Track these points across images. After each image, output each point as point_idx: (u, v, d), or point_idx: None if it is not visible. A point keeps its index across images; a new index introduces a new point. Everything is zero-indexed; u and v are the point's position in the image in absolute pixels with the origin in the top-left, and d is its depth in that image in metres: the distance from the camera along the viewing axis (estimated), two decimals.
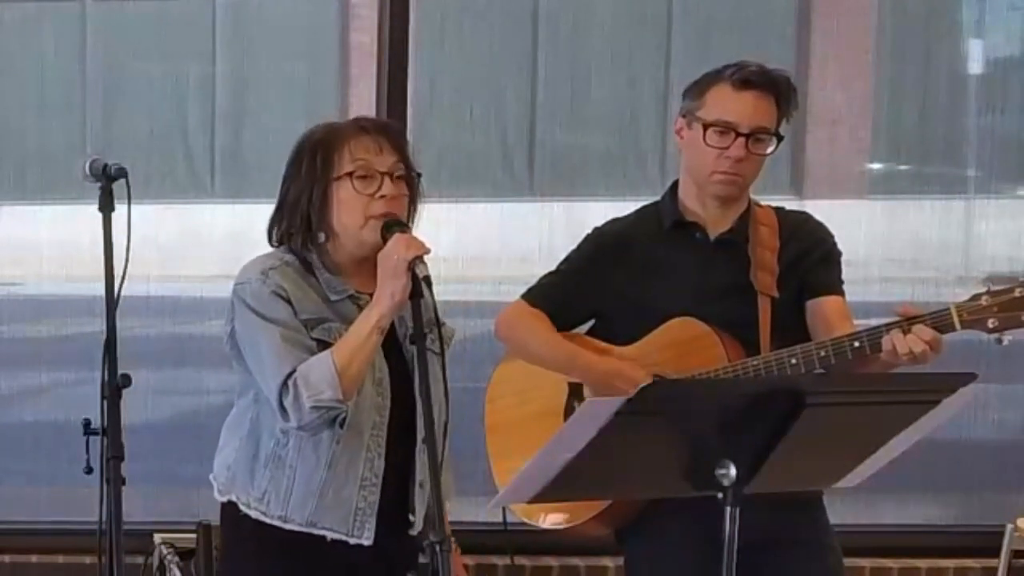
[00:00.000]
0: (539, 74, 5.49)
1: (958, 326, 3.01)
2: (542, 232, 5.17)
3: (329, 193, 3.01)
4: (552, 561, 4.74)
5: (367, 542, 3.04)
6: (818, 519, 3.39)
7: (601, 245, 3.44)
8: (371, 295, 3.00)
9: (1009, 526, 4.49)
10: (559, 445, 2.40)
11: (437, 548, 2.73)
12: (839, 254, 3.39)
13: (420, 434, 2.99)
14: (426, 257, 2.92)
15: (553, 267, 3.54)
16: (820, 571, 3.37)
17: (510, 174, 5.61)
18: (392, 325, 3.00)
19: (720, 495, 2.42)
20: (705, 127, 3.24)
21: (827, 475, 2.66)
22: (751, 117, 3.23)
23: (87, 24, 5.60)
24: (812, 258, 3.34)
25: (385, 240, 2.94)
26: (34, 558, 4.77)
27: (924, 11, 5.56)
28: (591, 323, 3.50)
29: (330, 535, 3.04)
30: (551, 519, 3.47)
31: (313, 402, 2.90)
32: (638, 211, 3.47)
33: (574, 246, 3.52)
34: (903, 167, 5.56)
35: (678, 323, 3.28)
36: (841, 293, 3.35)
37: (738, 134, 3.22)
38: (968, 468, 5.10)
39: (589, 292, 3.42)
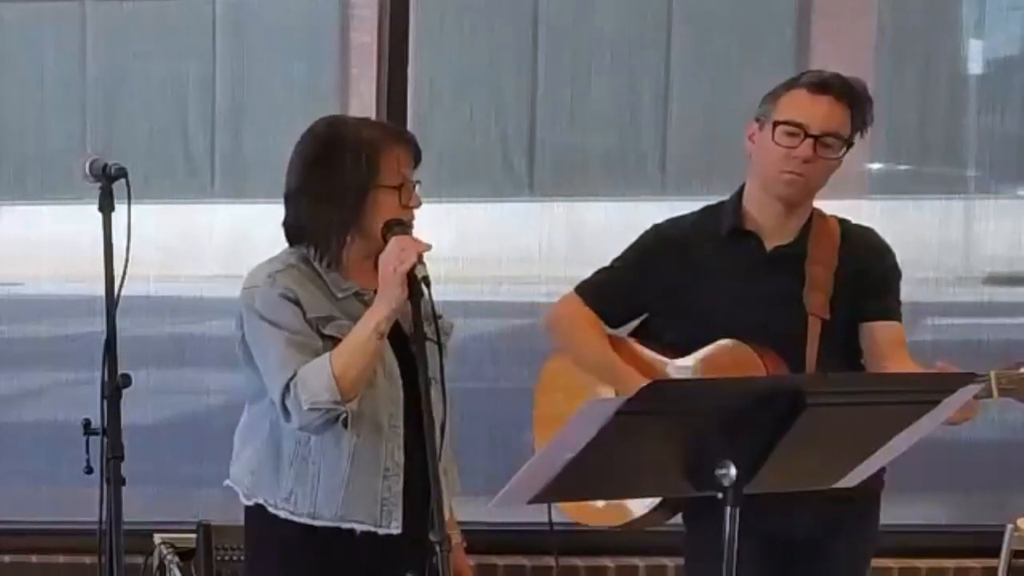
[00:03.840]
0: (539, 74, 5.49)
1: (995, 393, 3.01)
2: (542, 232, 5.17)
3: (369, 197, 3.03)
4: (552, 561, 4.74)
5: (396, 531, 3.06)
6: (871, 516, 3.42)
7: (657, 242, 3.46)
8: (376, 291, 3.02)
9: (1009, 526, 4.49)
10: (560, 445, 2.40)
11: (437, 548, 2.74)
12: (899, 275, 3.37)
13: (440, 420, 3.00)
14: (426, 257, 2.93)
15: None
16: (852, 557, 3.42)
17: (510, 174, 5.61)
18: (397, 320, 3.01)
19: (720, 495, 2.42)
20: (775, 125, 3.25)
21: (827, 475, 2.65)
22: (823, 120, 3.22)
23: (87, 24, 5.60)
24: (870, 279, 3.33)
25: (385, 239, 2.97)
26: (34, 558, 4.77)
27: (924, 11, 5.56)
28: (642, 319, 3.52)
29: (359, 527, 3.07)
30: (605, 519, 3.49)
31: (309, 404, 2.94)
32: (701, 210, 3.47)
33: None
34: (903, 167, 5.55)
35: (727, 345, 3.27)
36: (897, 318, 3.33)
37: (807, 135, 3.22)
38: (968, 468, 5.10)
39: (640, 288, 3.44)
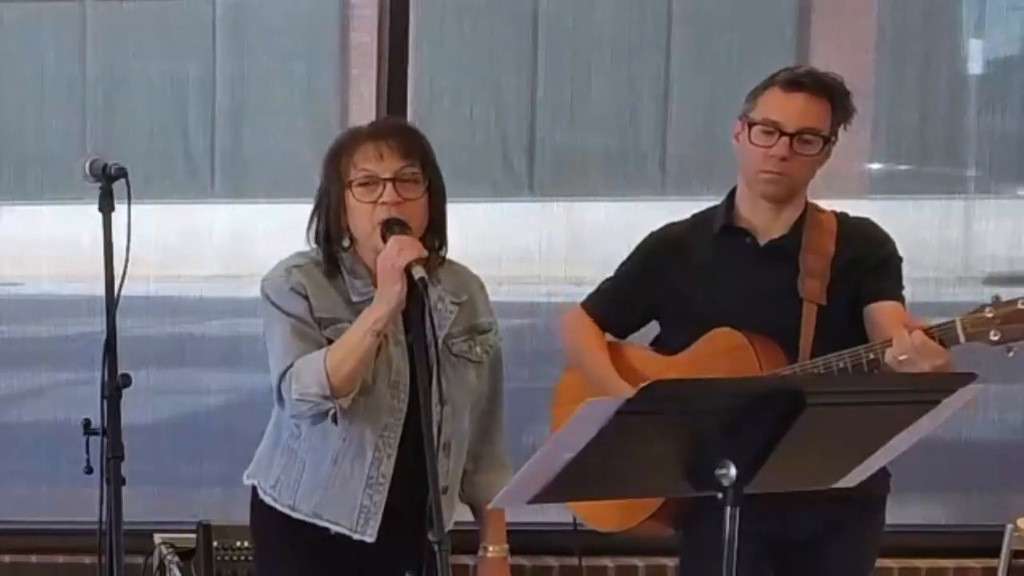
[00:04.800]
0: (539, 74, 5.49)
1: (962, 338, 3.00)
2: (542, 232, 5.16)
3: (343, 199, 3.05)
4: (552, 561, 4.74)
5: (369, 539, 3.07)
6: (873, 520, 3.42)
7: (656, 245, 3.47)
8: None
9: (1009, 526, 4.49)
10: (559, 445, 2.39)
11: (436, 548, 2.74)
12: (899, 260, 3.36)
13: (444, 439, 3.00)
14: None
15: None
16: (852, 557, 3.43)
17: (510, 174, 5.61)
18: (422, 330, 2.99)
19: (720, 495, 2.42)
20: (751, 125, 3.26)
21: (827, 475, 2.65)
22: (798, 117, 3.23)
23: (87, 24, 5.59)
24: (867, 264, 3.31)
25: (385, 240, 2.97)
26: (34, 558, 4.77)
27: (924, 11, 5.56)
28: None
29: (334, 528, 3.09)
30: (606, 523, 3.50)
31: (298, 395, 2.97)
32: (695, 215, 3.49)
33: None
34: (903, 167, 5.55)
35: (719, 333, 3.28)
36: (899, 299, 3.31)
37: (782, 133, 3.22)
38: (968, 468, 5.10)
39: (644, 293, 3.45)
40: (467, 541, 3.30)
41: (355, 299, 3.07)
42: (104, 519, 2.75)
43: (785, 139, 3.22)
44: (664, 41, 5.51)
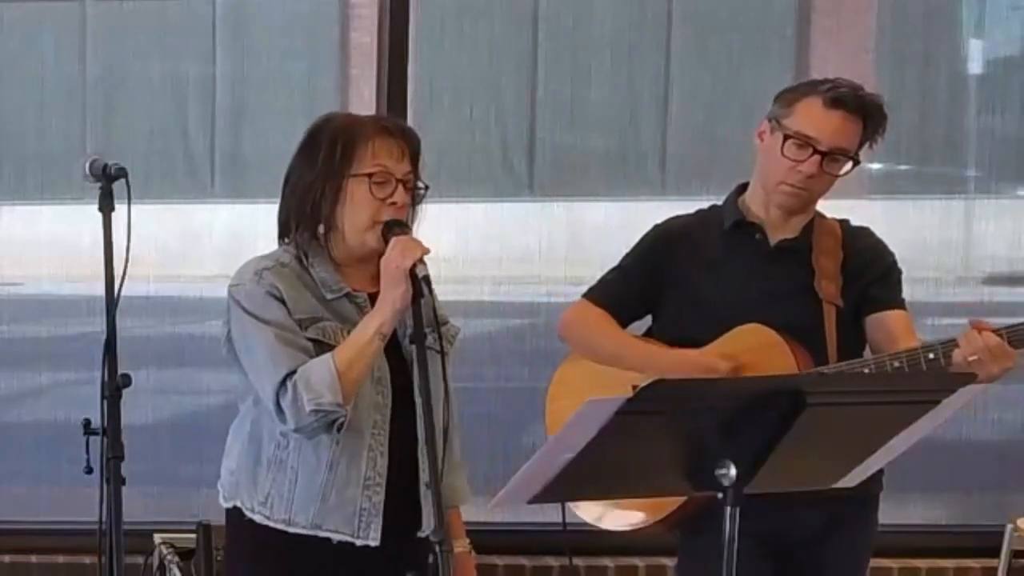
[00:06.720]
0: (539, 74, 5.49)
1: None
2: (542, 232, 5.17)
3: (342, 188, 2.98)
4: (552, 561, 4.74)
5: (374, 543, 3.00)
6: (869, 518, 3.42)
7: (662, 236, 3.45)
8: (369, 294, 3.00)
9: (1009, 526, 4.49)
10: (559, 445, 2.40)
11: (437, 548, 2.73)
12: (899, 272, 3.38)
13: (422, 435, 2.94)
14: (426, 258, 2.90)
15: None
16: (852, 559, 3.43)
17: (510, 174, 5.61)
18: None
19: (720, 495, 2.42)
20: (785, 137, 3.23)
21: (827, 475, 2.65)
22: (833, 136, 3.21)
23: (87, 24, 5.60)
24: (872, 273, 3.33)
25: (386, 240, 2.94)
26: (34, 558, 4.77)
27: (924, 11, 5.56)
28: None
29: (336, 537, 3.00)
30: (615, 521, 3.48)
31: (313, 405, 2.87)
32: (699, 210, 3.47)
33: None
34: (903, 167, 5.55)
35: (750, 329, 3.26)
36: (905, 308, 3.33)
37: (815, 151, 3.21)
38: (968, 468, 5.11)
39: (650, 283, 3.42)
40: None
41: (329, 296, 3.00)
42: (104, 519, 2.75)
43: (816, 157, 3.21)
44: (664, 41, 5.51)
